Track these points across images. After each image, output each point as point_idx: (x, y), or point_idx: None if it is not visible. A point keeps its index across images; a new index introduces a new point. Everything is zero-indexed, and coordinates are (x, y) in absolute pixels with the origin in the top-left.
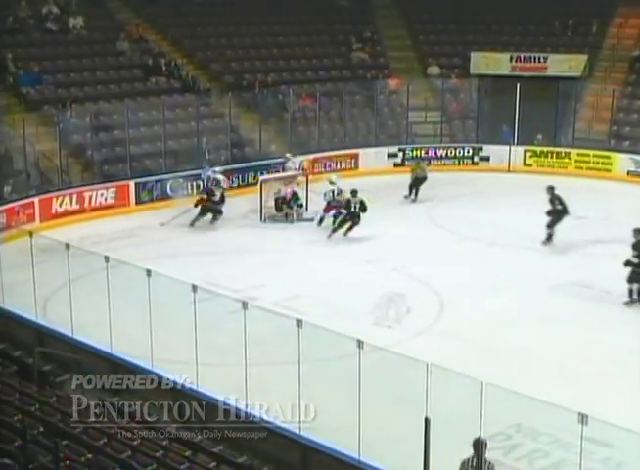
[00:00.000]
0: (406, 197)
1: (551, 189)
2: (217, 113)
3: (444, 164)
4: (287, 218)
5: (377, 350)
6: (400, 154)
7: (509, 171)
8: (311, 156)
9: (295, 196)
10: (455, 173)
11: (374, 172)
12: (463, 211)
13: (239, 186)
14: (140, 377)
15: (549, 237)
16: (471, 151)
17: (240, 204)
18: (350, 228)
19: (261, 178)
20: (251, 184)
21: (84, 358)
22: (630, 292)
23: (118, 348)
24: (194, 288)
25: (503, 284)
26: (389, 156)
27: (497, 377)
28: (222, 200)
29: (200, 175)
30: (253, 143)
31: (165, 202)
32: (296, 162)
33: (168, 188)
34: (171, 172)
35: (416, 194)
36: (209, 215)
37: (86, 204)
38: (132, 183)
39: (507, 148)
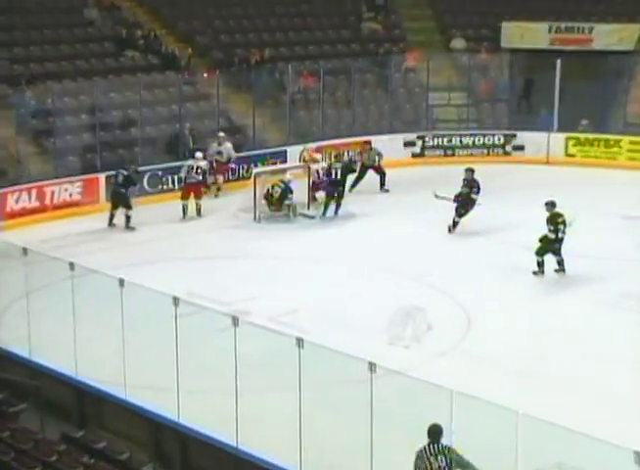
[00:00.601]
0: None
1: (470, 171)
2: (203, 94)
3: (471, 155)
4: (288, 215)
5: (392, 374)
6: (419, 142)
7: (547, 163)
8: (314, 144)
9: (283, 192)
10: (483, 165)
11: (388, 164)
12: (493, 210)
13: (228, 180)
14: (111, 406)
15: (455, 224)
16: (502, 139)
17: (230, 201)
18: (338, 201)
19: (255, 171)
20: (244, 178)
21: (44, 384)
22: (539, 264)
23: (85, 372)
24: (175, 301)
25: (541, 297)
26: (406, 145)
27: (535, 406)
28: (129, 184)
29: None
30: (246, 129)
31: (145, 198)
32: (229, 147)
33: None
34: (149, 164)
35: (382, 185)
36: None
37: (47, 201)
38: (102, 177)
39: (545, 135)
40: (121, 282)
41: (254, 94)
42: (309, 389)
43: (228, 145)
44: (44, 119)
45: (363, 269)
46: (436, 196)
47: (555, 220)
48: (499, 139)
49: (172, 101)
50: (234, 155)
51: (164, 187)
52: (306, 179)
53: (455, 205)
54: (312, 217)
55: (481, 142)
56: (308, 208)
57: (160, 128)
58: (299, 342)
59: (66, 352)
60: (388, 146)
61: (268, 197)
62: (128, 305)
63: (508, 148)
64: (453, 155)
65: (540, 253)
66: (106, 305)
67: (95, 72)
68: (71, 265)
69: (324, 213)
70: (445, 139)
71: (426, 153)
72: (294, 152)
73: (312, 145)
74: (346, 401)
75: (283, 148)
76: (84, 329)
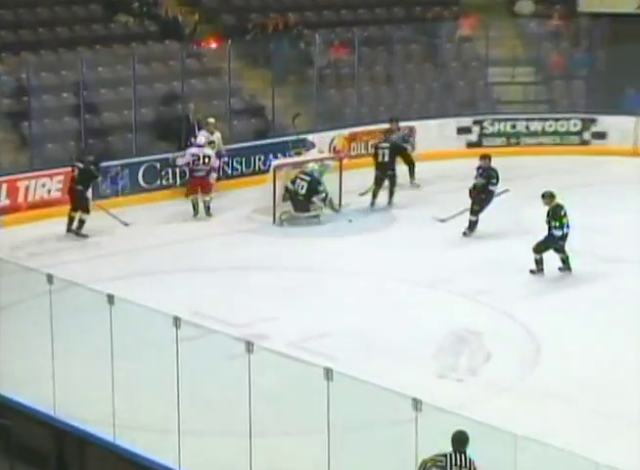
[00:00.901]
0: (361, 194)
1: (487, 158)
2: (212, 68)
3: (540, 145)
4: (318, 215)
5: (441, 413)
6: (476, 129)
7: (635, 154)
8: (346, 131)
9: (310, 185)
10: (556, 157)
11: (437, 155)
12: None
13: (242, 174)
14: (96, 451)
15: (472, 225)
16: (579, 125)
17: (243, 200)
18: (391, 189)
19: (274, 163)
20: (261, 172)
21: (15, 424)
22: (537, 261)
23: (65, 409)
24: (176, 321)
25: (626, 320)
26: (460, 131)
27: (622, 459)
28: (87, 179)
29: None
30: (264, 112)
31: (138, 196)
32: (219, 137)
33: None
34: (145, 154)
35: (411, 178)
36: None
37: (20, 198)
38: None
39: (633, 120)
40: (111, 298)
41: (274, 69)
42: (340, 430)
43: (218, 135)
44: (17, 99)
45: (404, 284)
46: (442, 220)
47: (558, 214)
48: (575, 125)
49: (174, 77)
50: (223, 147)
51: (164, 182)
52: (337, 174)
53: (469, 201)
54: (337, 211)
55: (553, 129)
56: (339, 205)
57: (159, 110)
58: (328, 372)
59: (42, 385)
60: (438, 133)
61: (292, 195)
62: (119, 327)
63: (586, 135)
64: (518, 144)
65: (540, 250)
66: (91, 326)
67: (79, 42)
68: (50, 278)
69: (372, 204)
70: (508, 125)
71: (484, 141)
72: (322, 140)
73: (345, 131)
74: (386, 446)
75: (309, 135)
76: (64, 356)
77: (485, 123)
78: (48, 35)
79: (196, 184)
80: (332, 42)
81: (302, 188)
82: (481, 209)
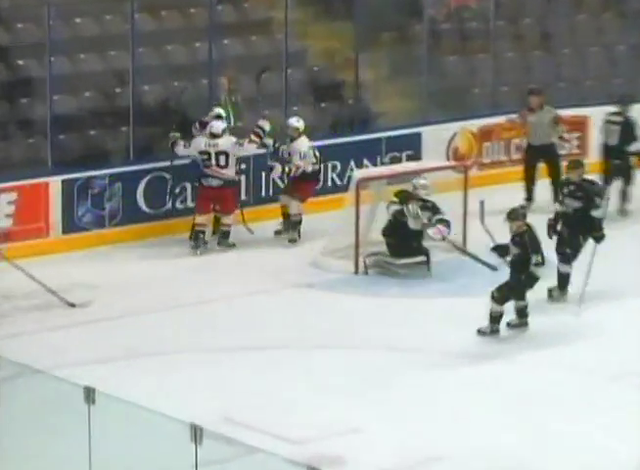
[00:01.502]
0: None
1: (579, 168)
2: (258, 21)
3: None
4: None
5: None
6: None
7: None
8: (475, 122)
9: (421, 206)
10: None
11: None
12: None
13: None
14: None
15: (563, 281)
16: None
17: (307, 234)
18: (624, 188)
19: (357, 175)
20: (336, 189)
21: None
22: (497, 317)
23: None
24: (196, 432)
25: None
26: None
27: None
28: None
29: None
30: (342, 92)
31: (136, 227)
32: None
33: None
34: (148, 160)
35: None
36: None
37: None
38: (57, 182)
39: None
40: (89, 393)
41: (358, 22)
42: None
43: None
44: None
45: (568, 375)
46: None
47: (538, 243)
48: None
49: (195, 36)
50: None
51: (178, 204)
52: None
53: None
54: (495, 269)
55: None
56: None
57: (172, 87)
58: None
59: None
60: None
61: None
62: (102, 438)
63: None
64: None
65: (506, 298)
66: (58, 434)
67: None
68: None
69: (622, 212)
70: None
71: None
72: (435, 136)
73: (473, 123)
74: None
75: (415, 129)
76: None
77: None
78: None
79: (206, 199)
80: None
81: (415, 213)
82: (578, 251)
